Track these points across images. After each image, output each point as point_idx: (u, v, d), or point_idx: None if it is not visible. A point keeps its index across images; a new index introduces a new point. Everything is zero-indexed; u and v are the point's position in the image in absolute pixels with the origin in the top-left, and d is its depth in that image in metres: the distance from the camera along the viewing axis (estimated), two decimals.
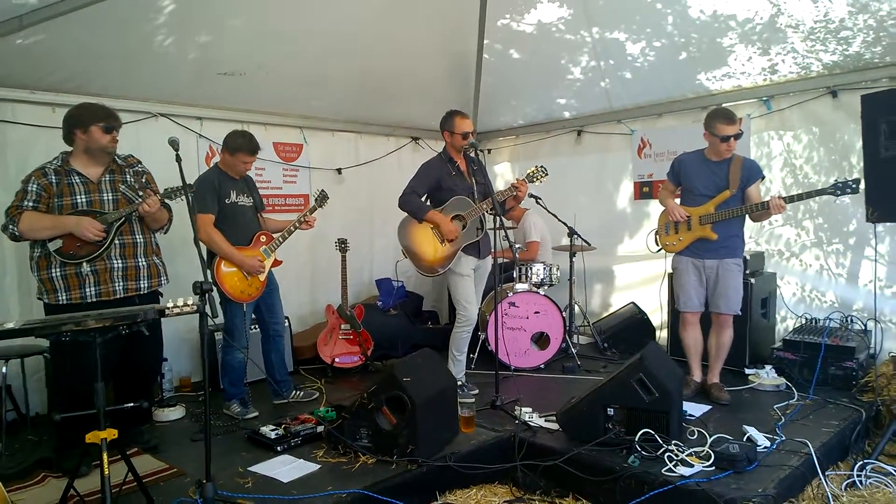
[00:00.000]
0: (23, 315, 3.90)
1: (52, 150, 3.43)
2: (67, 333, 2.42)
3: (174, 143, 2.97)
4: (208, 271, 3.03)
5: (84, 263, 3.18)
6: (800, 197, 3.62)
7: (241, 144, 3.90)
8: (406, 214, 4.16)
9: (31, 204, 3.15)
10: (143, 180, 3.44)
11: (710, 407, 3.74)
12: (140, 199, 3.28)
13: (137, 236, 3.38)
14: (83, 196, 3.23)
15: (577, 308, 5.36)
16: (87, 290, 3.21)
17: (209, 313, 2.56)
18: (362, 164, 5.89)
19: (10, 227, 3.12)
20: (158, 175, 3.61)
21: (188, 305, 2.54)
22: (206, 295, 2.56)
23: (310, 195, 5.48)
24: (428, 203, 4.23)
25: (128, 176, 3.39)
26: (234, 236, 3.92)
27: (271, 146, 5.28)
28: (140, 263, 3.38)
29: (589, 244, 5.26)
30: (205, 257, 2.91)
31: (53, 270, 3.18)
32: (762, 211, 3.71)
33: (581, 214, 5.46)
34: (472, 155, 4.18)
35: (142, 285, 3.38)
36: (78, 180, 3.24)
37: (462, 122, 4.10)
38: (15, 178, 3.46)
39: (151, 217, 3.35)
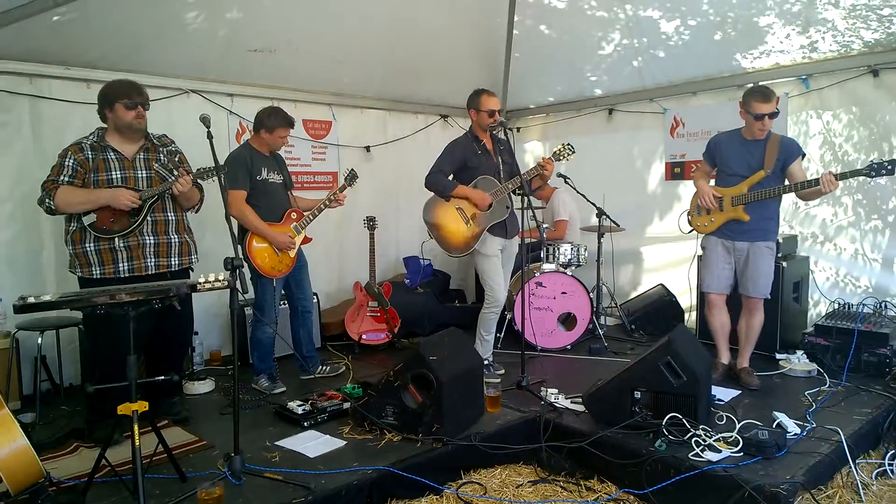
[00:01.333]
0: (59, 288, 3.95)
1: (88, 126, 3.46)
2: (102, 307, 2.44)
3: (206, 120, 2.96)
4: (239, 247, 3.00)
5: (117, 239, 3.21)
6: (843, 176, 3.46)
7: (279, 120, 3.90)
8: (432, 194, 4.14)
9: (66, 178, 3.18)
10: (177, 160, 3.46)
11: (739, 392, 3.69)
12: (173, 178, 3.29)
13: (170, 214, 3.41)
14: (118, 172, 3.25)
15: (604, 289, 5.33)
16: (121, 265, 3.25)
17: (240, 289, 2.57)
18: (391, 141, 5.88)
19: (47, 200, 3.15)
20: (190, 152, 3.61)
21: (219, 281, 2.55)
22: (237, 271, 2.57)
23: (338, 173, 5.52)
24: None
25: (161, 155, 3.42)
26: (266, 213, 3.93)
27: (301, 123, 5.27)
28: (172, 240, 3.41)
29: (618, 225, 5.19)
30: (236, 233, 2.91)
31: (88, 245, 3.22)
32: (812, 188, 3.57)
33: (611, 195, 5.38)
34: (500, 135, 4.11)
35: (173, 262, 3.41)
36: (113, 156, 3.27)
37: (488, 99, 4.06)
38: (52, 153, 3.49)
39: (184, 196, 3.37)
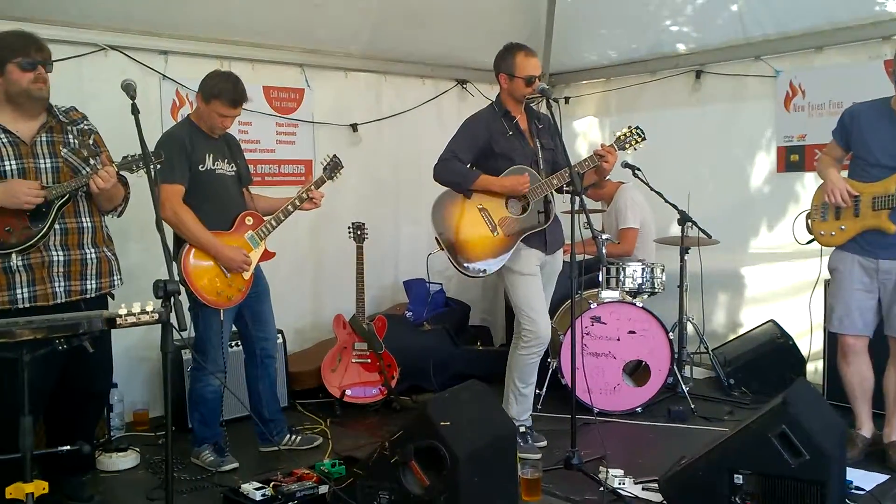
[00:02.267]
0: None
1: None
2: None
3: (129, 88, 2.98)
4: (174, 265, 3.07)
5: (14, 255, 3.24)
6: None
7: (221, 90, 3.94)
8: (443, 189, 4.19)
9: None
10: (91, 142, 3.51)
11: (887, 476, 3.67)
12: (89, 170, 3.34)
13: (84, 219, 3.45)
14: (13, 161, 3.28)
15: (690, 327, 5.35)
16: (19, 291, 3.27)
17: (175, 324, 2.59)
18: (386, 117, 5.89)
19: None
20: (108, 133, 3.65)
21: (147, 313, 2.58)
22: (172, 298, 2.58)
23: (314, 161, 5.54)
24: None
25: (70, 136, 3.46)
26: (210, 217, 3.96)
27: (260, 92, 5.26)
28: (88, 256, 3.45)
29: (709, 236, 5.20)
30: (170, 246, 3.00)
31: None
32: None
33: (699, 193, 5.38)
34: (541, 109, 4.28)
35: (89, 286, 3.46)
36: (5, 139, 3.29)
37: (526, 60, 4.12)
38: None
39: (104, 195, 3.41)
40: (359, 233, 4.99)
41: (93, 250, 3.47)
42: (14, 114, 3.32)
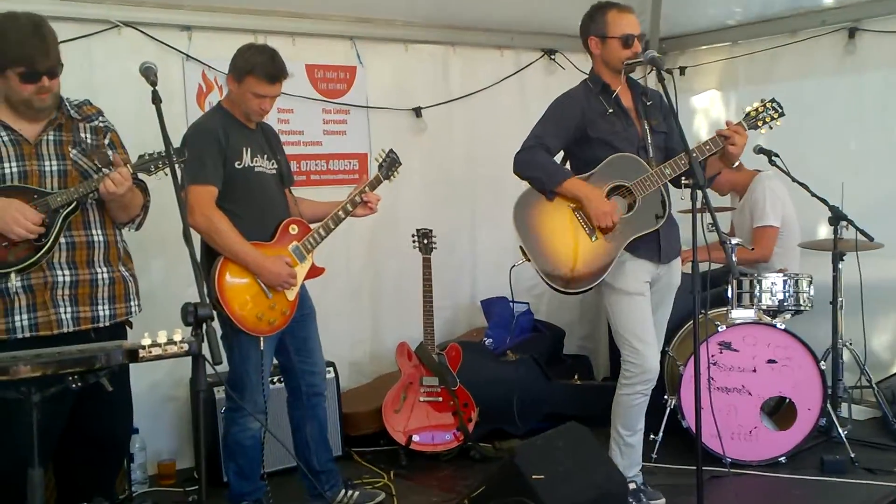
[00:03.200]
0: None
1: None
2: None
3: (149, 73, 3.04)
4: (205, 284, 3.20)
5: (13, 275, 3.30)
6: None
7: (254, 64, 3.97)
8: (527, 187, 4.22)
9: None
10: (107, 142, 3.57)
11: None
12: (101, 174, 3.36)
13: (95, 232, 3.50)
14: (14, 163, 3.35)
15: (847, 354, 5.24)
16: (18, 318, 3.33)
17: (208, 356, 2.60)
18: (457, 98, 5.93)
19: None
20: (124, 128, 3.70)
21: (174, 344, 2.58)
22: (205, 325, 2.60)
23: (369, 156, 5.57)
24: (566, 166, 4.28)
25: (82, 133, 3.53)
26: (249, 224, 4.02)
27: (303, 71, 5.30)
28: (100, 276, 3.50)
29: (870, 238, 5.12)
30: (199, 260, 3.07)
31: None
32: None
33: (854, 184, 5.27)
34: (652, 83, 4.26)
35: (101, 312, 3.49)
36: (6, 137, 3.37)
37: (619, 17, 4.14)
38: None
39: (118, 202, 3.46)
40: (425, 242, 5.00)
41: (105, 269, 3.52)
42: (18, 111, 3.40)
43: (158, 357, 2.59)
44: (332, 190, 5.25)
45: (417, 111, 5.82)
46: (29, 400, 2.52)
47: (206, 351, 2.59)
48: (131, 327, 3.65)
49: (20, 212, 3.21)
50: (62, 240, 3.36)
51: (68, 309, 3.40)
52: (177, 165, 3.09)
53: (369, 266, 5.72)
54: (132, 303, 3.64)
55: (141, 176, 3.48)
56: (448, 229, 5.60)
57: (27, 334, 3.31)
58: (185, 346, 2.58)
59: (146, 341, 2.59)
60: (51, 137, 3.44)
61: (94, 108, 3.63)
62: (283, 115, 5.26)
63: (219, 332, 3.40)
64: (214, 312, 3.04)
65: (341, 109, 5.57)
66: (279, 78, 4.02)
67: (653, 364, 4.14)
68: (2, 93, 3.38)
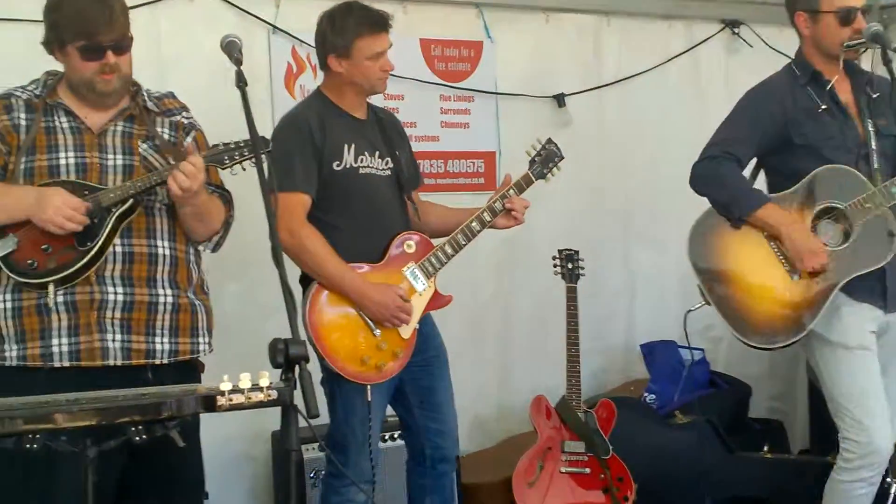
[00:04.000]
0: None
1: (27, 62, 3.60)
2: (33, 437, 2.44)
3: (233, 49, 3.07)
4: (299, 314, 3.14)
5: (51, 287, 3.25)
6: None
7: (352, 25, 3.96)
8: (708, 206, 4.18)
9: None
10: (190, 139, 3.54)
11: None
12: (167, 167, 3.29)
13: (161, 244, 3.43)
14: (71, 153, 3.35)
15: None
16: (56, 341, 3.28)
17: (302, 409, 2.52)
18: (611, 83, 5.82)
19: None
20: (203, 118, 3.68)
21: (260, 390, 2.50)
22: (298, 368, 2.51)
23: (498, 155, 5.47)
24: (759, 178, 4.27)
25: (159, 127, 3.51)
26: (351, 240, 3.96)
27: (417, 48, 5.24)
28: (161, 300, 3.41)
29: None
30: (289, 285, 2.79)
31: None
32: None
33: None
34: (878, 69, 4.17)
35: (159, 345, 3.41)
36: (66, 123, 3.40)
37: None
38: None
39: (193, 209, 3.38)
40: (570, 266, 4.88)
41: (170, 292, 3.43)
42: (80, 98, 3.43)
43: (239, 406, 2.53)
44: (448, 197, 5.09)
45: (560, 99, 5.66)
46: (83, 455, 2.51)
47: (298, 400, 2.54)
48: (203, 370, 3.58)
49: (61, 197, 3.20)
50: (117, 248, 3.32)
51: (117, 336, 3.34)
52: (264, 155, 3.08)
53: (498, 296, 5.57)
54: (201, 339, 3.54)
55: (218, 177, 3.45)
56: (597, 251, 5.49)
57: (66, 363, 3.27)
58: (274, 394, 2.52)
59: (225, 386, 2.52)
60: (119, 128, 3.44)
61: (177, 103, 3.62)
62: (391, 101, 5.09)
63: (316, 378, 3.43)
64: (311, 352, 3.15)
65: (463, 96, 5.45)
66: (385, 22, 4.02)
67: (883, 443, 3.96)
68: (66, 75, 3.43)
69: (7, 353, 3.30)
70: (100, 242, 3.26)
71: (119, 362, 3.33)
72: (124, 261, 3.35)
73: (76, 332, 3.29)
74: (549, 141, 4.25)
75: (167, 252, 3.44)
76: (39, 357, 3.27)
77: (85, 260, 3.24)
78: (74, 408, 2.47)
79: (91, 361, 3.29)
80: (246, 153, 3.28)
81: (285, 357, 2.53)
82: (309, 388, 2.53)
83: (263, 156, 3.05)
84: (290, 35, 5.00)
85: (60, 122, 3.39)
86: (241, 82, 2.99)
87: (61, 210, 3.18)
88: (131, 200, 3.29)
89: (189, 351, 3.50)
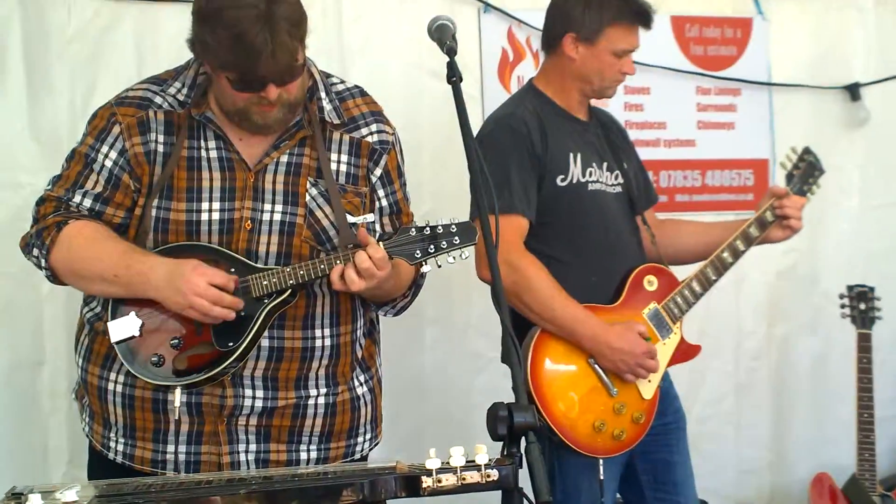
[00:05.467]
0: (75, 451, 4.00)
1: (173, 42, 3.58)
2: None
3: (444, 33, 2.85)
4: (522, 367, 2.87)
5: (178, 391, 3.11)
6: None
7: (613, 4, 3.74)
8: None
9: (89, 201, 3.10)
10: (379, 173, 3.28)
11: None
12: (335, 254, 3.06)
13: (321, 333, 3.22)
14: (217, 203, 3.13)
15: None
16: (173, 448, 3.17)
17: (535, 494, 2.31)
18: None
19: (38, 254, 3.12)
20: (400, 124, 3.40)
21: (478, 469, 2.35)
22: (526, 440, 2.32)
23: (771, 163, 5.10)
24: None
25: (335, 152, 3.23)
26: (578, 275, 3.74)
27: (667, 26, 4.90)
28: (311, 401, 3.24)
29: None
30: (513, 334, 2.58)
31: (108, 379, 3.17)
32: None
33: None
34: None
35: (304, 454, 3.27)
36: (214, 152, 3.14)
37: None
38: (80, 110, 3.84)
39: (375, 286, 3.12)
40: (862, 307, 4.55)
41: (323, 391, 3.24)
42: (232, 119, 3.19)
43: (449, 490, 2.38)
44: (709, 218, 4.79)
45: (853, 90, 5.18)
46: None
47: (524, 483, 2.36)
48: (365, 459, 3.43)
49: (207, 277, 2.95)
50: (263, 342, 3.10)
51: (251, 447, 3.20)
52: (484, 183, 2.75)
53: (768, 346, 5.15)
54: (360, 437, 3.36)
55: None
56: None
57: (181, 470, 3.17)
58: (494, 474, 2.35)
59: (433, 463, 2.35)
60: (283, 161, 3.16)
61: (367, 105, 3.30)
62: (633, 96, 4.88)
63: (537, 452, 2.83)
64: (541, 421, 3.15)
65: (727, 88, 5.08)
66: (650, 18, 3.83)
67: None
68: (215, 92, 3.18)
69: (112, 445, 3.19)
70: (245, 343, 3.04)
71: (253, 469, 3.22)
72: (270, 357, 3.14)
73: (198, 441, 3.19)
74: (807, 151, 4.04)
75: (327, 342, 3.24)
76: (150, 462, 3.16)
77: (224, 365, 3.05)
78: (240, 489, 2.44)
79: (212, 468, 3.21)
80: (455, 242, 2.97)
81: (509, 427, 2.33)
82: (539, 467, 2.32)
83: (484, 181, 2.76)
84: (506, 14, 4.75)
85: (208, 150, 3.15)
86: (455, 76, 2.75)
87: (205, 292, 2.94)
88: (290, 289, 3.07)
89: (342, 455, 3.35)
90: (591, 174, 3.82)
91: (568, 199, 3.75)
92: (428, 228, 2.96)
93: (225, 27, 2.90)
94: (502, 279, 3.24)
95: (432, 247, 2.97)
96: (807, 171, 4.02)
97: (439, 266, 3.02)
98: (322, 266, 2.99)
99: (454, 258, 2.96)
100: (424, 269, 3.12)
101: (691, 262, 3.97)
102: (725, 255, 3.85)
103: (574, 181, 3.75)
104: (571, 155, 3.77)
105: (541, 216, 3.68)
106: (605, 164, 3.89)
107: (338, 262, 2.97)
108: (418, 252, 2.97)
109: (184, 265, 2.95)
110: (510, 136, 3.73)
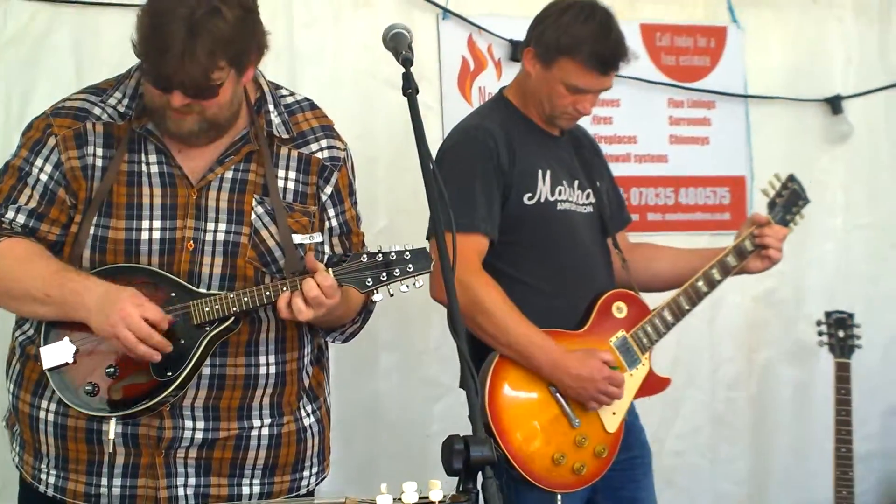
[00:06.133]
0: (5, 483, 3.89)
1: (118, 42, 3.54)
2: None
3: (399, 42, 2.85)
4: (479, 395, 2.99)
5: (112, 422, 3.04)
6: None
7: (580, 38, 3.71)
8: None
9: (21, 218, 3.07)
10: (329, 191, 3.25)
11: None
12: (282, 281, 3.03)
13: (265, 360, 3.18)
14: (158, 221, 3.08)
15: None
16: (106, 481, 3.10)
17: None
18: None
19: None
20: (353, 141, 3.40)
21: None
22: (482, 475, 2.28)
23: (749, 180, 5.12)
24: None
25: (283, 168, 3.20)
26: (543, 299, 3.75)
27: (637, 36, 4.84)
28: (255, 433, 3.19)
29: None
30: (471, 362, 2.54)
31: (40, 407, 3.13)
32: None
33: None
34: None
35: (246, 488, 3.23)
36: (155, 167, 3.11)
37: None
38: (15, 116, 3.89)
39: (324, 314, 3.09)
40: (841, 336, 4.61)
41: (267, 421, 3.20)
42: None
43: None
44: (680, 238, 4.85)
45: (835, 103, 5.20)
46: None
47: None
48: (312, 495, 3.42)
49: (140, 310, 2.89)
50: (204, 370, 3.08)
51: (191, 481, 3.15)
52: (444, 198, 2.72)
53: (744, 374, 5.13)
54: (307, 472, 3.31)
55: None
56: (883, 313, 5.16)
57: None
58: None
59: (384, 500, 2.34)
60: (228, 177, 3.14)
61: (317, 119, 3.31)
62: (602, 109, 4.80)
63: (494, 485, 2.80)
64: (498, 451, 3.10)
65: (701, 101, 5.09)
66: (615, 64, 3.81)
67: None
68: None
69: (43, 477, 3.16)
70: (184, 373, 3.00)
71: None
72: (211, 386, 3.13)
73: (135, 474, 3.14)
74: (792, 178, 4.09)
75: (272, 370, 3.22)
76: (83, 496, 3.13)
77: (161, 396, 3.02)
78: None
79: None
80: (408, 270, 2.98)
81: (465, 461, 2.30)
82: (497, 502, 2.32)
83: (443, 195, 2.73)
84: (466, 20, 4.76)
85: (149, 165, 3.13)
86: (410, 88, 2.71)
87: (136, 326, 2.89)
88: (233, 317, 3.04)
89: (287, 490, 3.32)
90: (560, 193, 3.83)
91: (535, 218, 3.75)
92: (381, 255, 2.97)
93: (152, 14, 2.89)
94: (470, 297, 3.52)
95: (384, 274, 2.97)
96: (790, 199, 4.07)
97: (391, 295, 3.01)
98: (268, 293, 2.96)
99: (407, 286, 2.96)
100: (376, 297, 3.09)
101: (664, 289, 3.99)
102: (700, 284, 3.89)
103: (542, 200, 3.77)
104: (540, 172, 3.79)
105: (505, 234, 3.68)
106: (576, 183, 3.90)
107: (284, 289, 2.96)
108: (370, 280, 2.97)
109: (121, 291, 2.92)
110: (475, 149, 3.74)
